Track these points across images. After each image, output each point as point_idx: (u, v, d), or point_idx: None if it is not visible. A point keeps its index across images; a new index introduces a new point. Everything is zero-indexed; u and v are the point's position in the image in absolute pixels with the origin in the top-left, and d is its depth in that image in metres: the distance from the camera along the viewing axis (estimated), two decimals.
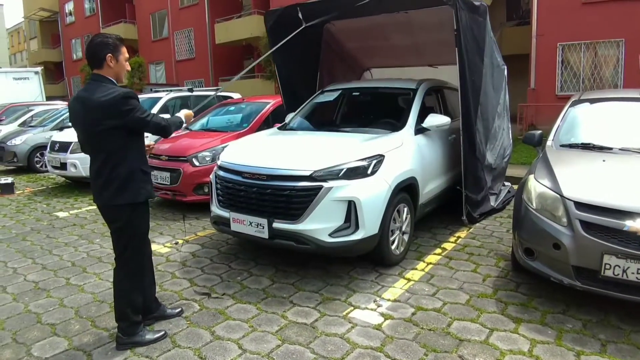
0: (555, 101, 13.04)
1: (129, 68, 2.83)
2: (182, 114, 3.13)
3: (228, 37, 23.06)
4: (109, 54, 2.67)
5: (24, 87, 16.88)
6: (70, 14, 35.51)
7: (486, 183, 5.14)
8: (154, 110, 8.48)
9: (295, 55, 5.81)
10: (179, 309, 3.23)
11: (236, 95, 9.93)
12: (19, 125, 11.52)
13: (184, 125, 3.14)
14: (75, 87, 35.39)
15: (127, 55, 2.79)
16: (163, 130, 2.84)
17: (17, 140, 10.18)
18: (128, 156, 2.70)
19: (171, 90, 9.86)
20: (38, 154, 10.21)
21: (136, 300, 2.83)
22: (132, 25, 30.33)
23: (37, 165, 10.22)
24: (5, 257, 4.55)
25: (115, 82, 2.74)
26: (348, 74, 7.02)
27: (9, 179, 8.01)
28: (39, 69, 18.35)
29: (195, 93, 9.54)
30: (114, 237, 2.84)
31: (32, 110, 12.57)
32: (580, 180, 3.25)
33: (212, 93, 9.68)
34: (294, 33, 4.83)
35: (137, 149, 2.78)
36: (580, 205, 3.01)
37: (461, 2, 4.31)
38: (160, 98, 8.91)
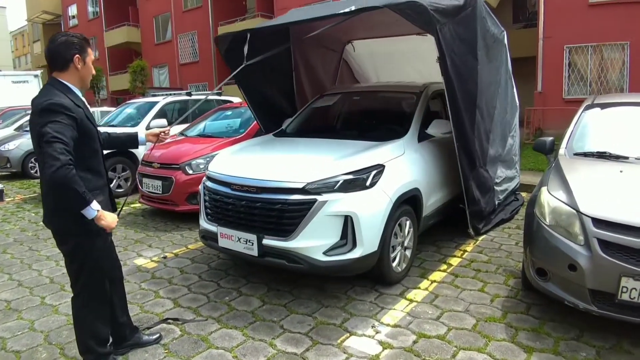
0: (563, 105, 12.74)
1: (94, 72, 2.52)
2: (97, 207, 2.25)
3: None
4: (77, 55, 2.36)
5: (23, 90, 16.66)
6: (74, 17, 35.46)
7: (492, 181, 4.84)
8: (149, 114, 8.13)
9: (262, 62, 4.99)
10: (157, 335, 2.94)
11: (235, 100, 9.67)
12: (15, 130, 11.27)
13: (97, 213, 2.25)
14: None
15: (93, 56, 2.49)
16: (55, 170, 2.06)
17: (10, 145, 9.84)
18: None
19: (168, 94, 9.51)
20: (32, 159, 9.85)
21: (101, 332, 2.51)
22: (135, 29, 30.25)
23: (32, 171, 9.90)
24: None
25: (72, 89, 2.38)
26: (327, 56, 6.33)
27: None
28: (38, 72, 18.13)
29: (193, 97, 9.26)
30: (66, 262, 2.51)
31: (29, 114, 12.33)
32: (598, 194, 2.97)
33: (212, 97, 9.44)
34: (238, 69, 4.58)
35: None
36: (598, 223, 2.73)
37: (441, 18, 3.68)
38: (157, 102, 8.59)
